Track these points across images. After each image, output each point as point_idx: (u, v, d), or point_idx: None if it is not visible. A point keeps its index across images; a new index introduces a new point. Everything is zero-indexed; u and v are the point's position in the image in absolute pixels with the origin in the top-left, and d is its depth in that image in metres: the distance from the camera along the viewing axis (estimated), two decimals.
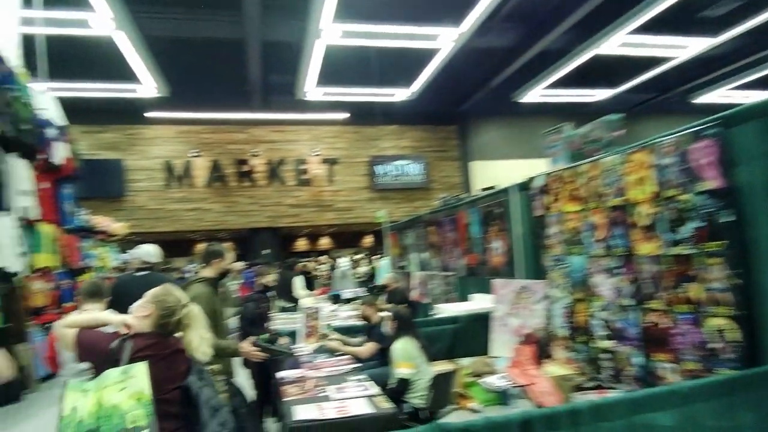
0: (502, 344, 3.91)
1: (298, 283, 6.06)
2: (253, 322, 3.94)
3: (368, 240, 19.44)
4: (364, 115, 12.74)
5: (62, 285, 4.46)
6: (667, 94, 13.83)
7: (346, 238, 19.18)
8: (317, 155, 12.67)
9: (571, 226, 3.35)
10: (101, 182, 10.56)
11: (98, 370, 1.76)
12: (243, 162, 12.35)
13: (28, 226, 4.00)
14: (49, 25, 6.15)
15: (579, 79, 11.43)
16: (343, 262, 10.44)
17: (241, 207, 12.32)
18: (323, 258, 13.16)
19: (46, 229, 4.27)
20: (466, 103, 13.25)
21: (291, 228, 13.37)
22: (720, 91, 13.29)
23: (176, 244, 17.19)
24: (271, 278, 4.63)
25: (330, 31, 7.75)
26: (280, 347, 3.23)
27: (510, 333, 3.86)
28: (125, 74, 9.39)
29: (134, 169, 11.89)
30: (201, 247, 5.49)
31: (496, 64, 10.84)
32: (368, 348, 3.92)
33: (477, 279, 4.93)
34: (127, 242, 7.87)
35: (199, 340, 1.93)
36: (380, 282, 10.16)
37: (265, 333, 3.65)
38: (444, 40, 8.54)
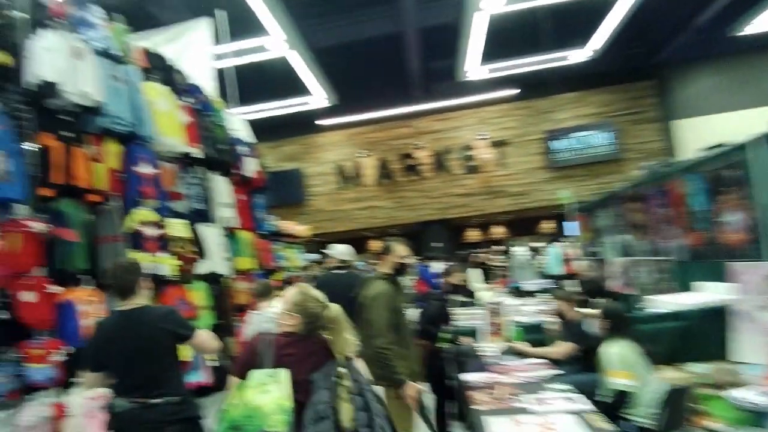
0: (751, 347, 3.10)
1: (475, 275, 5.83)
2: (434, 321, 3.88)
3: (547, 225, 18.22)
4: (534, 87, 11.89)
5: None
6: None
7: (522, 224, 18.25)
8: (484, 139, 12.27)
9: None
10: (284, 191, 12.01)
11: (247, 368, 1.89)
12: (408, 156, 12.67)
13: (230, 234, 4.66)
14: (234, 55, 7.14)
15: None
16: (521, 250, 9.83)
17: (410, 201, 12.66)
18: (498, 248, 12.74)
19: (245, 236, 4.93)
20: (664, 50, 11.31)
21: (461, 219, 13.24)
22: None
23: (351, 243, 18.60)
24: (459, 278, 4.59)
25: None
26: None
27: (762, 332, 3.03)
28: (298, 89, 10.47)
29: (311, 175, 13.21)
30: (374, 244, 5.79)
31: None
32: (564, 349, 3.50)
33: (703, 263, 4.04)
34: (309, 243, 8.72)
35: (344, 343, 1.96)
36: (555, 271, 9.33)
37: (447, 332, 3.54)
38: None
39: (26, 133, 2.76)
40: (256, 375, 1.81)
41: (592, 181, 12.06)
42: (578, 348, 3.40)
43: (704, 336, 3.32)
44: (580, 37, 9.60)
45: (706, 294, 3.59)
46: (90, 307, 2.75)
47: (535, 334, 3.87)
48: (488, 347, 3.71)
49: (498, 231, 18.89)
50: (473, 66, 10.08)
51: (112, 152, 3.31)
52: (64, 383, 2.58)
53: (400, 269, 3.08)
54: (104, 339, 2.33)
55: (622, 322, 2.98)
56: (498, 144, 12.41)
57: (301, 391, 1.81)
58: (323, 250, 4.82)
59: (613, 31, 9.21)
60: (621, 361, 2.72)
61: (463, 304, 5.74)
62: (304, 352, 1.93)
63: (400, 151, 12.74)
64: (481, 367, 3.24)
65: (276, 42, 8.23)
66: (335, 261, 4.28)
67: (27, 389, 2.47)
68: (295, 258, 6.87)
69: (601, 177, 11.99)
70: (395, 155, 12.76)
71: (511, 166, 12.42)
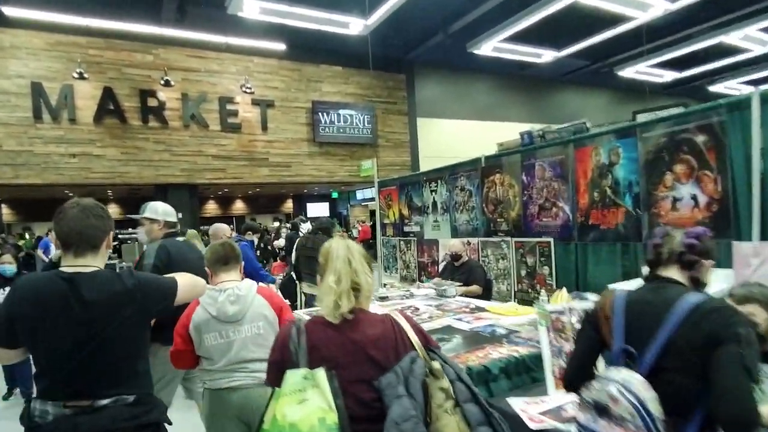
0: None
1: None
2: None
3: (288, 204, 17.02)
4: (303, 48, 10.30)
5: None
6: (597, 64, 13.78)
7: (262, 202, 16.49)
8: (250, 93, 9.89)
9: None
10: None
11: (279, 369, 1.23)
12: (150, 94, 9.09)
13: None
14: None
15: (539, 34, 10.46)
16: (306, 227, 8.10)
17: (146, 155, 9.12)
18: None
19: None
20: (417, 49, 11.53)
21: (215, 186, 10.47)
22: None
23: (40, 204, 12.67)
24: None
25: None
26: None
27: None
28: None
29: None
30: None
31: (463, 3, 9.22)
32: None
33: (609, 245, 3.39)
34: None
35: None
36: None
37: None
38: None
39: None
40: (290, 378, 1.15)
41: (351, 162, 11.39)
42: None
43: None
44: (361, 8, 8.56)
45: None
46: None
47: None
48: None
49: (238, 207, 16.43)
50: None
51: None
52: None
53: None
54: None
55: None
56: (260, 103, 10.24)
57: (356, 402, 1.13)
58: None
59: (383, 15, 8.54)
60: None
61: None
62: (350, 341, 1.19)
63: (137, 84, 9.01)
64: None
65: None
66: (161, 225, 2.67)
67: None
68: None
69: (359, 159, 11.44)
70: (129, 88, 8.94)
71: (275, 132, 10.47)
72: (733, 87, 16.17)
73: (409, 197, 5.79)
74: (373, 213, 15.88)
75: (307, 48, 10.42)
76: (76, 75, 8.13)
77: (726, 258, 2.73)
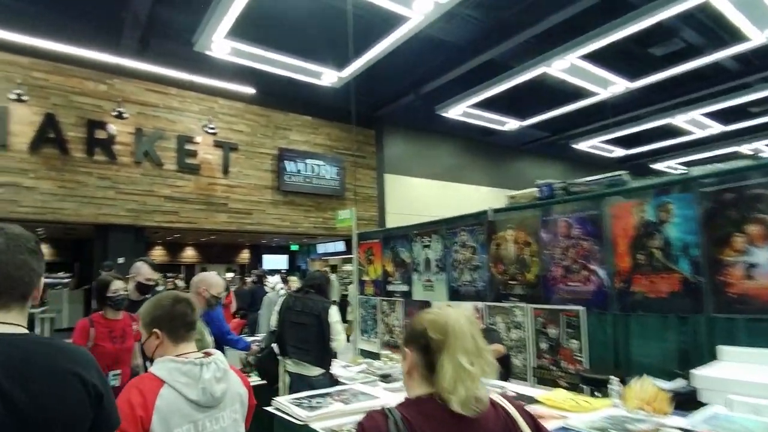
0: None
1: (336, 314, 2.98)
2: None
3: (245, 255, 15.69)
4: (273, 95, 9.80)
5: None
6: (555, 137, 14.27)
7: (214, 250, 15.10)
8: (212, 133, 9.07)
9: None
10: None
11: None
12: (99, 125, 8.06)
13: None
14: None
15: (505, 103, 10.64)
16: (273, 280, 7.10)
17: (88, 191, 7.91)
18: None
19: None
20: (386, 107, 11.35)
21: (165, 230, 9.28)
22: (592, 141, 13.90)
23: None
24: None
25: None
26: None
27: None
28: None
29: None
30: None
31: (442, 64, 9.17)
32: None
33: (662, 318, 2.83)
34: None
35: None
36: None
37: None
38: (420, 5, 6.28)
39: None
40: None
41: (316, 214, 10.65)
42: None
43: None
44: (341, 57, 8.22)
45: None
46: None
47: None
48: None
49: (189, 254, 14.91)
50: (219, 36, 7.18)
51: None
52: None
53: None
54: None
55: None
56: (222, 146, 9.42)
57: None
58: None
59: (358, 69, 8.28)
60: None
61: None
62: None
63: (86, 114, 7.99)
64: None
65: None
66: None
67: None
68: None
69: (324, 211, 10.72)
70: (75, 117, 7.89)
71: (237, 177, 9.60)
72: (672, 167, 17.29)
73: (395, 252, 5.09)
74: (333, 267, 15.00)
75: (277, 94, 9.94)
76: (13, 96, 7.04)
77: None
